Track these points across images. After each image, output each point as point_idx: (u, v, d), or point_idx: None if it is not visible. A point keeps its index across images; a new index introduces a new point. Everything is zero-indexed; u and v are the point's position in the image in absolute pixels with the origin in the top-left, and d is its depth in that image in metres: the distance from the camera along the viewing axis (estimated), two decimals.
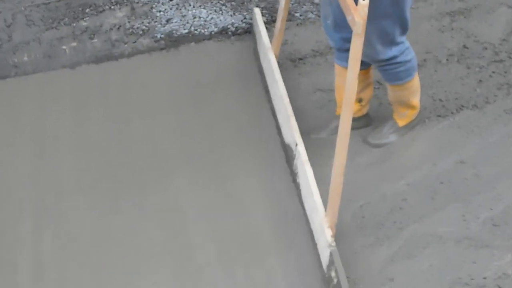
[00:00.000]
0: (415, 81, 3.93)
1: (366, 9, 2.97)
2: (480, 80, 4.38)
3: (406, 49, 3.76)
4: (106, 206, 3.87)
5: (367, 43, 3.56)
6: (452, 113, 4.24)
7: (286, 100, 3.99)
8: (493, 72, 4.42)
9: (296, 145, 3.80)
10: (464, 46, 4.57)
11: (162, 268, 3.63)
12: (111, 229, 3.78)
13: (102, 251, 3.70)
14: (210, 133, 4.18)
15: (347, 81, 3.16)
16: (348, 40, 3.73)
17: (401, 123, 4.12)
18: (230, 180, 3.96)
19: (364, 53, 3.63)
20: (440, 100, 4.30)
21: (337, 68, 3.99)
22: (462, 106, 4.26)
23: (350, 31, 3.67)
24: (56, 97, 4.43)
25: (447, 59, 4.50)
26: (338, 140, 3.28)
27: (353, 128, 4.00)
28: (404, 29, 3.65)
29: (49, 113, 4.34)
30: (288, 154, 3.99)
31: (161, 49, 4.66)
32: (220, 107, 4.32)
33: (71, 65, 4.56)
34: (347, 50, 3.77)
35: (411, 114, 4.10)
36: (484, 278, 3.55)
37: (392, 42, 3.66)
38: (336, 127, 4.02)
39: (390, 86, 3.92)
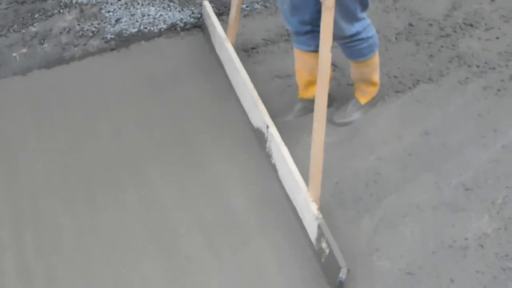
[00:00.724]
0: (377, 57, 4.04)
1: None
2: (431, 55, 4.52)
3: (368, 25, 3.88)
4: (83, 205, 3.85)
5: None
6: (409, 88, 4.36)
7: (251, 85, 4.07)
8: (442, 46, 4.57)
9: (268, 127, 3.88)
10: (410, 24, 4.71)
11: (150, 260, 3.63)
12: (92, 226, 3.76)
13: (87, 248, 3.68)
14: (177, 124, 4.21)
15: (321, 56, 3.26)
16: (305, 23, 3.84)
17: (363, 100, 4.22)
18: (205, 167, 4.00)
19: None
20: (395, 77, 4.42)
21: (296, 51, 4.06)
22: (418, 80, 4.39)
23: (307, 13, 3.79)
24: (12, 104, 4.37)
25: (396, 38, 4.63)
26: (315, 115, 3.38)
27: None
28: (364, 6, 3.77)
29: (8, 120, 4.28)
30: (259, 137, 4.04)
31: (112, 49, 4.65)
32: (182, 99, 4.35)
33: (22, 71, 4.51)
34: (305, 33, 3.89)
35: (372, 91, 4.21)
36: (466, 239, 3.67)
37: (354, 18, 3.76)
38: (300, 110, 4.12)
39: (353, 63, 4.02)
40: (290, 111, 4.22)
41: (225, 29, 4.44)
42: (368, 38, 3.88)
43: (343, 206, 3.81)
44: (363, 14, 3.83)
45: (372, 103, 4.25)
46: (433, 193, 3.87)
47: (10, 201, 3.86)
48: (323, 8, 3.20)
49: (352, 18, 3.76)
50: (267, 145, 3.94)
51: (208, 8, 4.55)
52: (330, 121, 4.20)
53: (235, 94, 4.31)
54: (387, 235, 3.69)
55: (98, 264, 3.61)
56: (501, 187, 3.87)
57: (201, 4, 4.77)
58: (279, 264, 3.59)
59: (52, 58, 4.55)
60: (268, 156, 3.95)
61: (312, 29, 3.85)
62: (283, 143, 3.80)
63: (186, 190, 3.89)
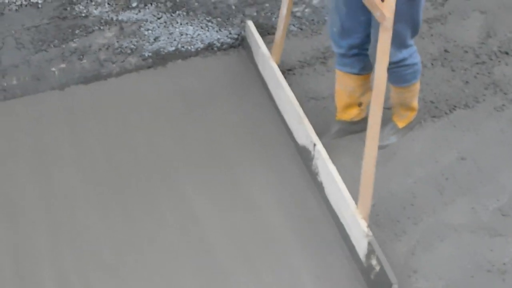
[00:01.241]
0: (418, 84, 4.07)
1: (393, 5, 3.13)
2: (467, 82, 4.56)
3: (414, 52, 3.89)
4: (119, 217, 3.88)
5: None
6: (445, 113, 4.39)
7: (296, 103, 4.12)
8: (477, 73, 4.61)
9: (315, 145, 3.91)
10: (446, 51, 4.74)
11: (186, 274, 3.66)
12: (128, 237, 3.80)
13: (123, 260, 3.72)
14: (213, 141, 4.24)
15: (377, 75, 3.33)
16: (354, 47, 3.87)
17: (400, 124, 4.25)
18: (244, 184, 4.04)
19: (373, 55, 3.77)
20: (432, 102, 4.45)
21: (339, 73, 4.09)
22: (454, 106, 4.42)
23: (357, 37, 3.82)
24: (49, 118, 4.40)
25: (431, 64, 4.66)
26: (368, 133, 3.44)
27: (353, 132, 4.15)
28: (415, 32, 3.76)
29: (45, 134, 4.31)
30: (304, 155, 4.09)
31: (149, 67, 4.69)
32: (219, 116, 4.38)
33: (60, 86, 4.55)
34: (352, 56, 3.92)
35: (410, 116, 4.24)
36: (504, 264, 3.69)
37: (403, 45, 3.78)
38: (337, 131, 4.15)
39: (395, 88, 4.04)
40: (327, 133, 4.25)
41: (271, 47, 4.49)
42: (413, 64, 3.90)
43: (380, 228, 3.84)
44: (412, 41, 3.84)
45: (409, 127, 4.28)
46: (470, 217, 3.89)
47: (47, 214, 3.89)
48: (381, 29, 3.24)
49: (401, 44, 3.77)
50: (313, 163, 3.98)
51: (252, 27, 4.62)
52: None
53: (277, 112, 4.37)
54: (425, 256, 3.72)
55: (136, 278, 3.64)
56: None
57: (238, 25, 4.81)
58: (321, 279, 3.61)
59: (90, 74, 4.59)
60: (314, 174, 3.99)
61: (358, 52, 3.88)
62: (330, 161, 3.83)
63: (222, 205, 3.93)
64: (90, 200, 3.96)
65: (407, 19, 3.63)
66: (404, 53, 3.81)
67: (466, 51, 4.74)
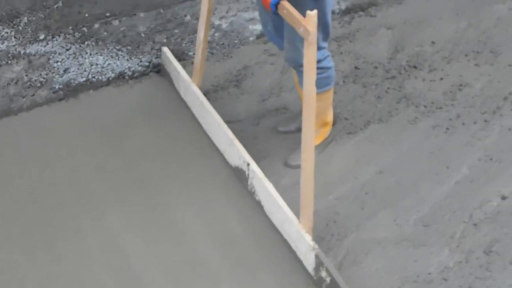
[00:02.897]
0: (331, 93, 4.12)
1: (316, 19, 3.16)
2: (379, 97, 4.63)
3: (328, 56, 3.97)
4: (45, 255, 3.78)
5: (294, 47, 3.77)
6: (361, 129, 4.45)
7: (224, 126, 4.15)
8: (388, 88, 4.68)
9: (248, 164, 3.93)
10: (356, 67, 4.81)
11: None
12: (55, 277, 3.70)
13: None
14: (137, 171, 4.18)
15: (305, 90, 3.38)
16: None
17: (316, 141, 4.27)
18: (172, 211, 3.98)
19: (290, 58, 3.84)
20: (346, 118, 4.50)
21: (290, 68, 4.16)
22: (369, 121, 4.48)
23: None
24: None
25: (343, 81, 4.72)
26: (303, 146, 3.52)
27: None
28: (326, 34, 3.84)
29: None
30: (238, 176, 4.10)
31: (60, 99, 4.62)
32: (138, 144, 4.33)
33: None
34: None
35: (325, 132, 4.28)
36: (429, 273, 3.74)
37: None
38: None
39: None
40: (293, 122, 4.33)
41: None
42: (327, 68, 3.96)
43: None
44: (325, 44, 3.90)
45: (325, 143, 4.32)
46: (393, 230, 3.94)
47: None
48: (305, 44, 3.27)
49: None
50: (249, 182, 3.98)
51: (168, 53, 4.62)
52: (285, 164, 4.26)
53: (204, 136, 4.37)
54: (352, 272, 3.74)
55: None
56: (458, 222, 3.97)
57: (149, 53, 4.79)
58: None
59: (0, 110, 4.49)
60: (252, 193, 4.00)
61: None
62: (266, 179, 3.85)
63: (149, 237, 3.87)
64: (12, 237, 3.86)
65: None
66: (318, 55, 3.83)
67: (376, 66, 4.82)
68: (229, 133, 4.10)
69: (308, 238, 3.63)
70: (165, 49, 4.66)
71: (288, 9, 3.36)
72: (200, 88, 4.44)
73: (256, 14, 4.97)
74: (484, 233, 3.92)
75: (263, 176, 3.90)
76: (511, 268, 3.78)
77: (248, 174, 3.98)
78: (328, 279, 3.53)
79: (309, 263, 3.65)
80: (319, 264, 3.57)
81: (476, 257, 3.82)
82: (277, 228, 3.86)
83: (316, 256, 3.58)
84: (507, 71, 4.82)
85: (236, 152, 4.07)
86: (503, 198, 4.08)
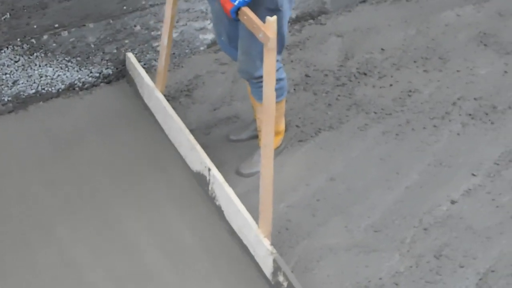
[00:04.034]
0: (284, 104, 4.13)
1: (275, 25, 3.18)
2: (329, 104, 4.65)
3: (280, 68, 3.98)
4: None
5: (249, 58, 3.76)
6: (311, 136, 4.47)
7: (186, 131, 4.17)
8: (339, 95, 4.71)
9: (209, 169, 3.96)
10: (306, 75, 4.83)
11: None
12: None
13: None
14: (89, 182, 4.16)
15: (265, 96, 3.39)
16: None
17: None
18: (126, 222, 3.99)
19: (244, 70, 3.84)
20: (297, 126, 4.52)
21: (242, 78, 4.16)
22: (319, 129, 4.51)
23: None
24: None
25: (294, 89, 4.74)
26: (263, 151, 3.53)
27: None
28: (281, 46, 3.82)
29: None
30: (200, 181, 4.12)
31: (10, 111, 4.58)
32: (89, 156, 4.31)
33: None
34: None
35: (277, 140, 4.29)
36: (380, 278, 3.77)
37: None
38: (256, 129, 4.17)
39: (261, 107, 4.07)
40: (245, 130, 4.36)
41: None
42: (279, 80, 3.96)
43: None
44: (278, 56, 3.90)
45: (277, 152, 4.32)
46: (344, 236, 3.96)
47: None
48: (265, 50, 3.29)
49: None
50: (209, 188, 4.00)
51: (133, 59, 4.63)
52: (237, 172, 4.26)
53: (167, 142, 4.38)
54: (304, 278, 3.75)
55: None
56: (408, 227, 4.00)
57: (99, 63, 4.77)
58: None
59: None
60: (212, 198, 4.02)
61: None
62: (227, 184, 3.89)
63: (100, 248, 3.85)
64: None
65: None
66: None
67: (326, 74, 4.85)
68: (191, 138, 4.13)
69: (267, 242, 3.66)
70: (130, 55, 4.68)
71: (248, 15, 3.39)
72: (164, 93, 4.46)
73: (206, 23, 4.97)
74: (434, 238, 3.96)
75: (224, 181, 3.93)
76: (461, 272, 3.81)
77: (209, 180, 4.00)
78: (285, 284, 3.56)
79: (267, 268, 3.68)
80: (277, 268, 3.60)
81: (426, 261, 3.85)
82: (237, 233, 3.87)
83: (274, 261, 3.61)
84: (455, 76, 4.87)
85: (197, 157, 4.09)
86: (453, 202, 4.13)
